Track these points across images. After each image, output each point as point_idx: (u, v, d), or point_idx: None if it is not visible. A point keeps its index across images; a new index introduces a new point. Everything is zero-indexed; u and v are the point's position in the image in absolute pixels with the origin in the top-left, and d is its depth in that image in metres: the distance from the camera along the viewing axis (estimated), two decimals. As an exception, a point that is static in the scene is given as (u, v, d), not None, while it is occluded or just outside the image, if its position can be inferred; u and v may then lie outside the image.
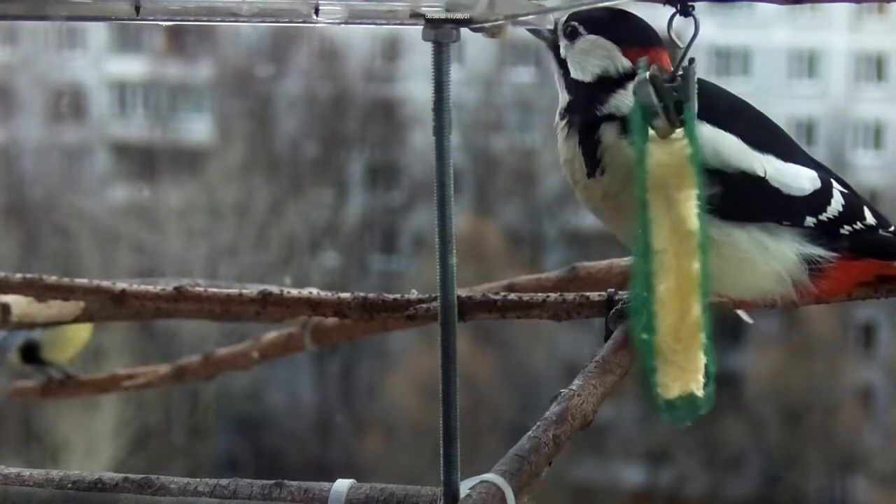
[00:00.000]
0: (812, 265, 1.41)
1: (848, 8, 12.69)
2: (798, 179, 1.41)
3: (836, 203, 1.42)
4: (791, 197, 1.40)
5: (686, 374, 1.21)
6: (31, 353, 2.49)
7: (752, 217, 1.39)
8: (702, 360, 1.22)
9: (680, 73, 1.25)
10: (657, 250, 1.19)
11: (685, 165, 1.20)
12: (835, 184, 1.44)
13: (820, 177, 1.43)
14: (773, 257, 1.40)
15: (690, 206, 1.19)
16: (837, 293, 1.47)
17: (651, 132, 1.23)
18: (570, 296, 1.47)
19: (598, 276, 1.71)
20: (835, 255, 1.42)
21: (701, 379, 1.22)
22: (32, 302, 1.85)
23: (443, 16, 1.11)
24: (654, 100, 1.23)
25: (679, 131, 1.24)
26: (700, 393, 1.21)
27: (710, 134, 1.36)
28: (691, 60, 1.26)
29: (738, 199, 1.37)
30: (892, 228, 1.46)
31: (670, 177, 1.20)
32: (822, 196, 1.42)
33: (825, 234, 1.41)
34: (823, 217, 1.41)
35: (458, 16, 1.11)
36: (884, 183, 12.53)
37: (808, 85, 12.92)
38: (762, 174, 1.39)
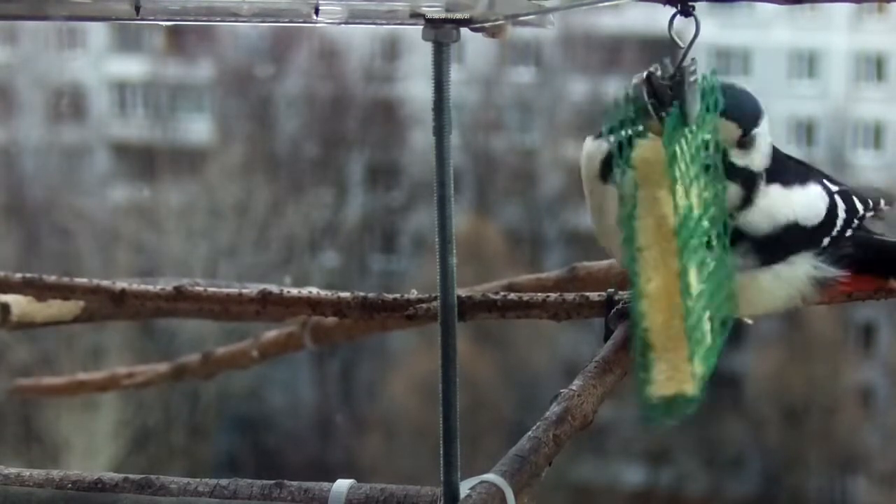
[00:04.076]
0: (823, 283, 1.43)
1: (848, 8, 12.69)
2: (816, 206, 1.43)
3: (840, 212, 1.44)
4: (812, 228, 1.42)
5: (679, 373, 1.19)
6: None
7: (778, 259, 1.40)
8: (696, 358, 1.20)
9: (678, 72, 1.25)
10: (642, 248, 1.18)
11: (664, 163, 1.19)
12: (830, 187, 1.45)
13: (825, 190, 1.44)
14: (786, 283, 1.41)
15: (670, 204, 1.18)
16: (841, 300, 1.49)
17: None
18: (570, 296, 1.47)
19: (598, 276, 1.71)
20: (842, 273, 1.43)
21: (693, 378, 1.19)
22: (32, 302, 1.85)
23: (443, 16, 1.11)
24: (645, 97, 1.22)
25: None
26: (693, 392, 1.19)
27: (776, 198, 1.37)
28: (691, 60, 1.26)
29: (772, 249, 1.38)
30: (882, 206, 1.48)
31: (653, 174, 1.19)
32: (832, 212, 1.44)
33: (835, 248, 1.43)
34: (835, 233, 1.43)
35: (458, 16, 1.11)
36: (884, 183, 12.53)
37: (808, 85, 12.92)
38: (794, 220, 1.40)
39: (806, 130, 12.66)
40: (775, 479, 11.55)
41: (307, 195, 12.63)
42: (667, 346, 1.19)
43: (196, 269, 11.07)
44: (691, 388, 1.19)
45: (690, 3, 1.26)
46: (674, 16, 1.27)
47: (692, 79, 1.23)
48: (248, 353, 2.17)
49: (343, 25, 1.18)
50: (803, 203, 1.42)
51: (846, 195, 1.45)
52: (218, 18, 1.20)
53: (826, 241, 1.42)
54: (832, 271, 1.43)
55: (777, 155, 1.41)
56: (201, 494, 1.23)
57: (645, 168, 1.19)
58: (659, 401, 1.19)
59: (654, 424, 1.20)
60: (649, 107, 1.22)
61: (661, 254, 1.18)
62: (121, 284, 1.60)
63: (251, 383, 11.00)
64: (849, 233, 1.44)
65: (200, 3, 1.19)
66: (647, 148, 1.20)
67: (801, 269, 1.42)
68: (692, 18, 1.28)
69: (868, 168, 12.61)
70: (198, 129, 13.04)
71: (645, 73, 1.24)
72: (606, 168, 1.34)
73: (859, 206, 1.46)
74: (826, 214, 1.43)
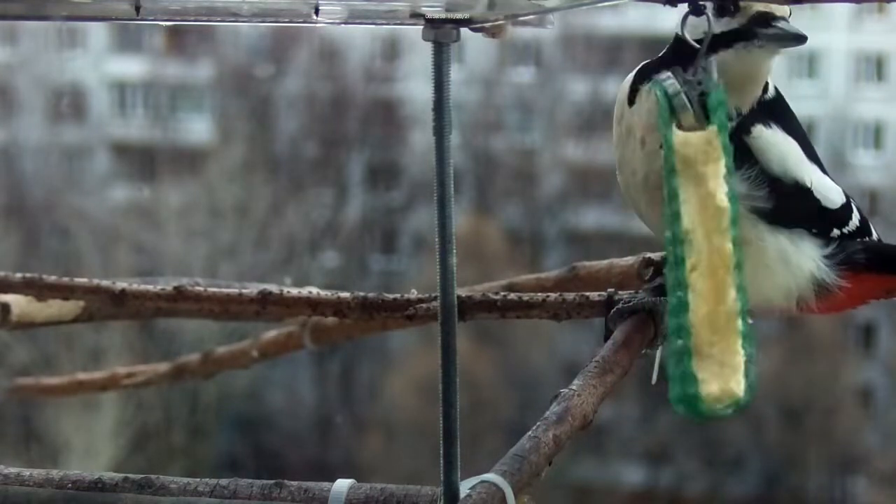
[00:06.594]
0: (822, 287, 1.43)
1: (848, 8, 12.69)
2: (831, 192, 1.46)
3: (856, 218, 1.47)
4: (826, 209, 1.44)
5: (725, 370, 1.15)
6: None
7: (788, 223, 1.42)
8: (741, 351, 1.16)
9: (702, 68, 1.25)
10: (688, 231, 1.15)
11: (713, 139, 1.18)
12: (851, 198, 1.48)
13: (844, 192, 1.48)
14: (791, 271, 1.42)
15: (718, 180, 1.17)
16: (835, 311, 1.49)
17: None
18: (570, 296, 1.48)
19: (598, 276, 1.71)
20: (843, 283, 1.44)
21: (741, 375, 1.16)
22: (32, 301, 1.85)
23: (443, 16, 1.11)
24: (680, 88, 1.22)
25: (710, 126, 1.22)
26: (740, 390, 1.15)
27: (780, 140, 1.41)
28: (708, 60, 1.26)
29: (784, 206, 1.40)
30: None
31: (698, 153, 1.18)
32: (847, 210, 1.46)
33: (844, 247, 1.44)
34: (846, 230, 1.45)
35: (458, 16, 1.11)
36: (884, 183, 12.54)
37: (808, 85, 12.92)
38: (809, 185, 1.43)
39: (806, 130, 12.64)
40: (775, 479, 11.55)
41: (307, 195, 12.63)
42: (711, 342, 1.15)
43: (196, 269, 11.07)
44: (738, 385, 1.15)
45: (702, 3, 1.26)
46: (686, 14, 1.28)
47: (714, 76, 1.24)
48: (248, 353, 2.17)
49: (343, 25, 1.18)
50: (821, 180, 1.45)
51: (864, 216, 1.48)
52: (218, 18, 1.20)
53: (836, 233, 1.43)
54: (834, 276, 1.43)
55: (804, 135, 1.45)
56: (201, 494, 1.23)
57: (686, 150, 1.17)
58: (706, 399, 1.14)
59: (705, 421, 1.17)
60: (684, 97, 1.22)
61: (707, 234, 1.15)
62: (121, 284, 1.60)
63: (251, 383, 11.00)
64: (860, 243, 1.45)
65: (200, 3, 1.19)
66: (685, 135, 1.19)
67: (807, 260, 1.42)
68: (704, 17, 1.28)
69: (868, 168, 12.61)
70: (198, 129, 13.04)
71: (671, 72, 1.24)
72: (633, 93, 1.41)
73: (874, 234, 1.49)
74: (841, 207, 1.45)
